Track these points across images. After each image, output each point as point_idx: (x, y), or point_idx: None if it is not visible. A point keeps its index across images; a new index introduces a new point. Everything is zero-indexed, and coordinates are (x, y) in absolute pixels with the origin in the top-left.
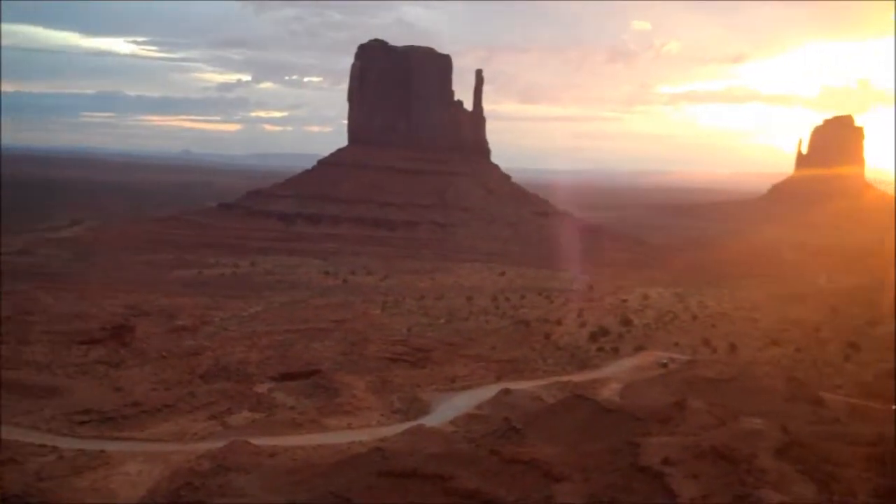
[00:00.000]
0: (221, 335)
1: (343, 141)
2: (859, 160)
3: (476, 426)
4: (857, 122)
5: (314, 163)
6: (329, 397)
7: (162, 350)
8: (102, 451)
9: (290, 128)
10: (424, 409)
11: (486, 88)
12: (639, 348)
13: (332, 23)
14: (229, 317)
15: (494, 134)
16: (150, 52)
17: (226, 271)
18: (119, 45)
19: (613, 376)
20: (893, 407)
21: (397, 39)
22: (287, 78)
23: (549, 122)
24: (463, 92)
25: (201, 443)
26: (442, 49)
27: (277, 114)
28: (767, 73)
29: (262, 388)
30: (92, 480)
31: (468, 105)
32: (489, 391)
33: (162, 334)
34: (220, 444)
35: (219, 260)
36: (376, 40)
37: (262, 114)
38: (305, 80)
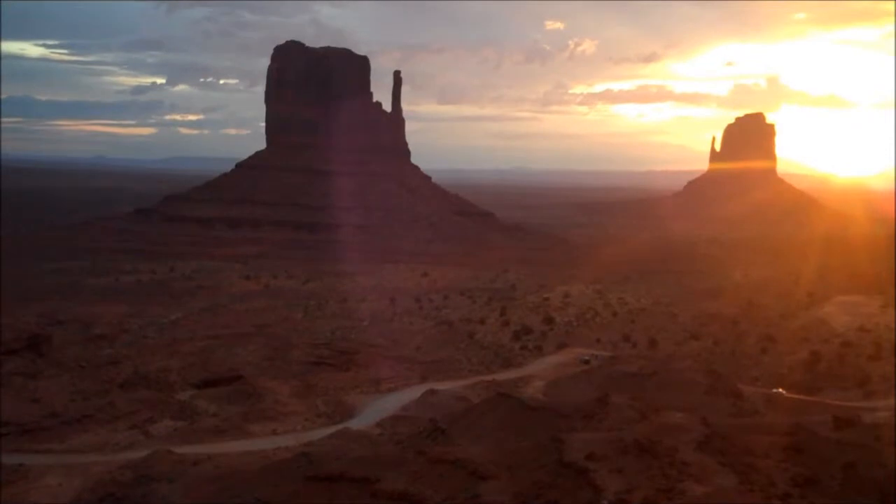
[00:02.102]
0: (140, 343)
1: (261, 143)
2: (771, 156)
3: (402, 428)
4: (769, 120)
5: (232, 166)
6: (252, 403)
7: (80, 360)
8: (21, 465)
9: (206, 131)
10: (350, 413)
11: (404, 89)
12: (561, 346)
13: (245, 23)
14: (148, 324)
15: (414, 135)
16: (61, 55)
17: (143, 278)
18: (28, 48)
19: (537, 374)
20: (779, 390)
21: (313, 40)
22: (202, 80)
23: (467, 122)
24: (381, 93)
25: (123, 453)
26: (358, 50)
27: (193, 117)
28: (680, 72)
29: (183, 396)
30: (11, 494)
31: (387, 106)
32: (414, 392)
33: (79, 343)
34: (141, 453)
35: (136, 266)
36: (293, 41)
37: (178, 117)
38: (221, 82)
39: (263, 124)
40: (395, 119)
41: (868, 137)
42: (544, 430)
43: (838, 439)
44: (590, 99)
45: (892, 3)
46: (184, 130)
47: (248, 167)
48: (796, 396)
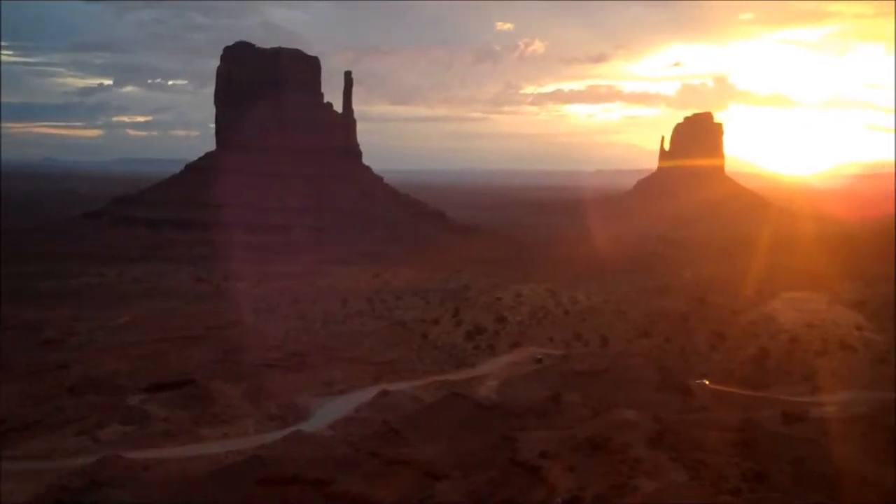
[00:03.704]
0: (90, 347)
1: (211, 145)
2: (719, 155)
3: (355, 429)
4: (716, 119)
5: (182, 167)
6: (204, 407)
7: (28, 365)
8: None
9: (155, 132)
10: (302, 415)
11: (355, 90)
12: (514, 345)
13: (195, 25)
14: (97, 328)
15: (365, 135)
16: (7, 56)
17: (92, 281)
18: None
19: (490, 374)
20: (704, 381)
21: (263, 41)
22: (150, 81)
23: (419, 122)
24: (333, 94)
25: (72, 459)
26: (309, 51)
27: (141, 118)
28: (629, 72)
29: (133, 400)
30: None
31: (338, 107)
32: (367, 393)
33: (28, 348)
34: (91, 459)
35: (85, 269)
36: (242, 42)
37: (126, 118)
38: (170, 83)
39: (213, 126)
40: (347, 120)
41: (812, 136)
42: (497, 430)
43: (787, 434)
44: (540, 99)
45: (836, 4)
46: (132, 132)
47: (198, 169)
48: (719, 387)
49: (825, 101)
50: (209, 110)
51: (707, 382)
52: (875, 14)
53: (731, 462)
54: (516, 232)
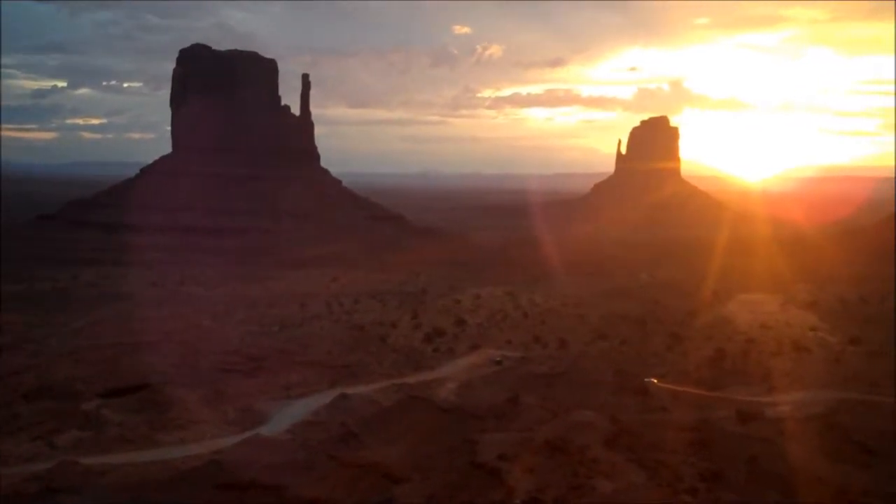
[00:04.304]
0: (44, 352)
1: (167, 148)
2: (675, 158)
3: (313, 433)
4: (672, 123)
5: (137, 170)
6: (160, 412)
7: None
8: None
9: (110, 135)
10: (260, 419)
11: (312, 93)
12: (473, 347)
13: (150, 26)
14: (51, 333)
15: (323, 138)
16: None
17: (46, 286)
18: None
19: (449, 376)
20: (652, 380)
21: (219, 44)
22: (105, 83)
23: (377, 125)
24: (290, 96)
25: (27, 465)
26: (266, 53)
27: (96, 121)
28: (587, 76)
29: (89, 406)
30: None
31: (295, 110)
32: (326, 397)
33: None
34: (47, 465)
35: (38, 274)
36: (198, 44)
37: (80, 121)
38: (125, 85)
39: (169, 128)
40: (304, 122)
41: (767, 140)
42: (457, 432)
43: (743, 434)
44: (498, 103)
45: (790, 9)
46: (87, 135)
47: (154, 172)
48: (676, 388)
49: (779, 104)
50: (165, 113)
51: (655, 381)
52: (829, 19)
53: (688, 462)
54: (475, 235)
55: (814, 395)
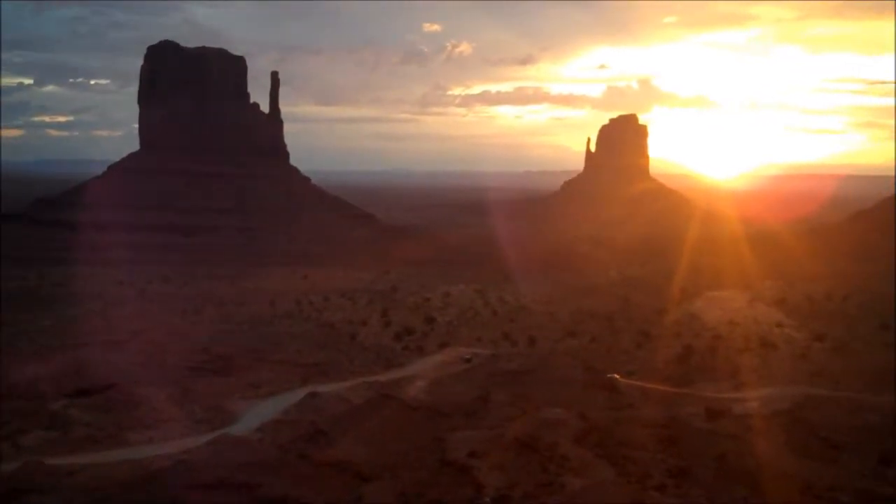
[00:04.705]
0: (9, 352)
1: (134, 145)
2: (644, 156)
3: (283, 431)
4: (641, 121)
5: (104, 168)
6: (128, 411)
7: None
8: None
9: (76, 132)
10: (229, 418)
11: (282, 90)
12: (443, 345)
13: (117, 23)
14: (17, 332)
15: (292, 136)
16: None
17: (11, 285)
18: None
19: (419, 374)
20: (615, 376)
21: (187, 40)
22: (72, 81)
23: (346, 123)
24: (258, 94)
25: None
26: (235, 50)
27: (62, 118)
28: (556, 74)
29: (56, 406)
30: None
31: (264, 107)
32: (295, 395)
33: None
34: (13, 465)
35: (4, 273)
36: (166, 41)
37: (47, 118)
38: (92, 82)
39: (136, 126)
40: (273, 120)
41: (735, 138)
42: (426, 430)
43: (711, 430)
44: (468, 100)
45: (757, 7)
46: (53, 132)
47: (121, 170)
48: (645, 385)
49: (747, 103)
50: (132, 110)
51: (618, 377)
52: (795, 17)
53: (657, 458)
54: (445, 233)
55: (780, 391)
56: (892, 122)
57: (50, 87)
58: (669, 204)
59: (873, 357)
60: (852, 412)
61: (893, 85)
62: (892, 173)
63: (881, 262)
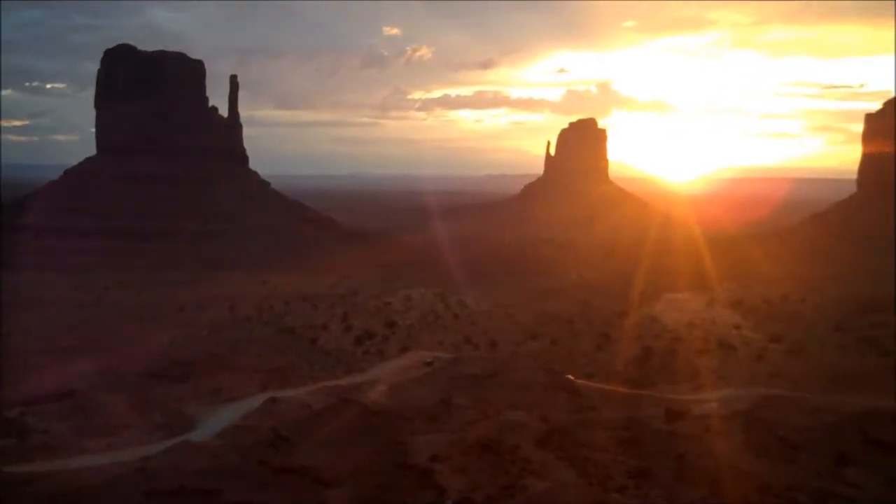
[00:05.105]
0: None
1: (91, 149)
2: (603, 159)
3: (243, 437)
4: (600, 125)
5: (60, 173)
6: (86, 418)
7: None
8: None
9: (33, 137)
10: (189, 424)
11: (241, 94)
12: (404, 349)
13: (75, 26)
14: None
15: (252, 140)
16: None
17: None
18: None
19: (380, 378)
20: (569, 376)
21: (145, 44)
22: (28, 84)
23: (306, 127)
24: (217, 97)
25: None
26: (193, 54)
27: (18, 122)
28: (516, 79)
29: (12, 413)
30: None
31: (223, 111)
32: (256, 401)
33: None
34: None
35: None
36: (123, 45)
37: (2, 123)
38: (48, 86)
39: (93, 130)
40: (232, 124)
41: (693, 141)
42: (388, 434)
43: (670, 431)
44: (428, 104)
45: (714, 12)
46: (9, 137)
47: (78, 174)
48: (605, 387)
49: (705, 107)
50: (90, 114)
51: (571, 377)
52: (752, 22)
53: (618, 460)
54: (406, 237)
55: (739, 391)
56: (848, 125)
57: (6, 91)
58: (628, 207)
59: (829, 358)
60: (809, 413)
61: (849, 89)
62: (848, 176)
63: (836, 265)
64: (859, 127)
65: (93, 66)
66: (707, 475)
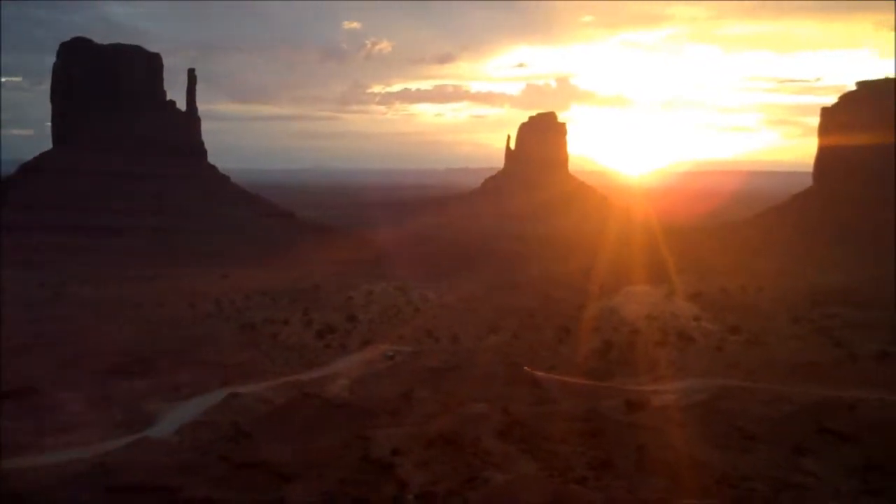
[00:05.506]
0: None
1: (48, 144)
2: (563, 153)
3: (203, 433)
4: (560, 119)
5: (16, 168)
6: (46, 415)
7: None
8: None
9: None
10: (149, 421)
11: (200, 88)
12: (366, 343)
13: (30, 19)
14: None
15: (211, 134)
16: None
17: None
18: None
19: (342, 372)
20: (525, 368)
21: (103, 38)
22: None
23: (266, 121)
24: (176, 91)
25: None
26: (151, 47)
27: None
28: (475, 73)
29: None
30: None
31: (182, 105)
32: (216, 397)
33: None
34: None
35: None
36: (80, 38)
37: None
38: (3, 80)
39: (50, 124)
40: (191, 118)
41: (652, 135)
42: (350, 428)
43: (630, 422)
44: (388, 98)
45: (671, 7)
46: None
47: (34, 169)
48: (566, 379)
49: (663, 101)
50: (45, 108)
51: (527, 369)
52: (709, 17)
53: (578, 451)
54: (366, 231)
55: (698, 382)
56: (804, 119)
57: None
58: (588, 201)
59: (786, 349)
60: (767, 403)
61: (805, 83)
62: (804, 170)
63: (793, 257)
64: (815, 121)
65: (49, 60)
66: (667, 465)
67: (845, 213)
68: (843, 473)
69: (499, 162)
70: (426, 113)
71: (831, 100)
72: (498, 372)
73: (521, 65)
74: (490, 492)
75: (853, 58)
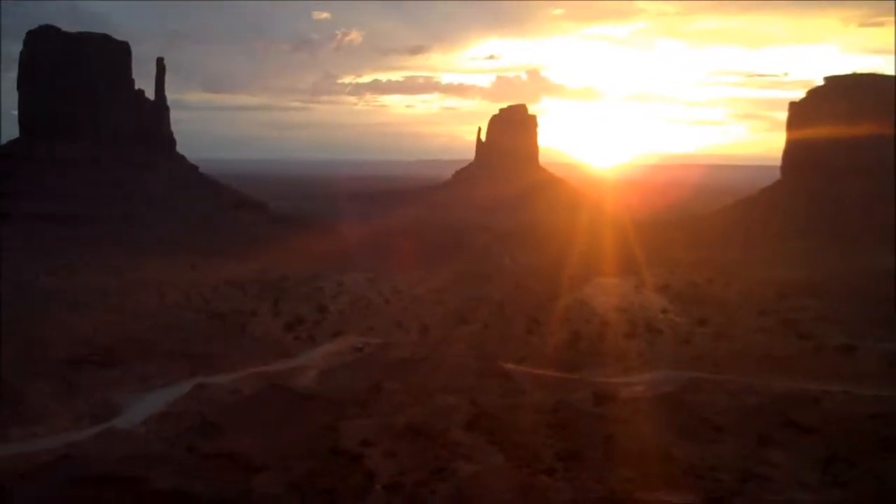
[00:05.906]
0: None
1: (14, 132)
2: (533, 146)
3: (170, 424)
4: (530, 111)
5: None
6: (11, 406)
7: None
8: None
9: None
10: (115, 411)
11: (170, 78)
12: (335, 334)
13: None
14: None
15: (180, 124)
16: None
17: None
18: None
19: (310, 363)
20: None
21: (70, 25)
22: None
23: (236, 111)
24: (144, 80)
25: None
26: (119, 36)
27: None
28: (446, 65)
29: None
30: None
31: (150, 94)
32: (184, 387)
33: None
34: None
35: None
36: (47, 26)
37: None
38: None
39: (16, 112)
40: (159, 107)
41: (620, 128)
42: (318, 419)
43: (599, 414)
44: (359, 89)
45: (641, 2)
46: None
47: (1, 157)
48: (535, 370)
49: (631, 94)
50: (12, 96)
51: (500, 362)
52: (677, 12)
53: (547, 443)
54: (337, 222)
55: (665, 374)
56: (772, 113)
57: None
58: (558, 192)
59: (752, 341)
60: (733, 395)
61: (773, 78)
62: (771, 163)
63: (760, 250)
64: (783, 115)
65: (16, 48)
66: (634, 457)
67: (812, 207)
68: (808, 465)
69: (470, 154)
70: (397, 104)
71: (799, 94)
72: (467, 363)
73: (491, 57)
74: (458, 483)
75: (820, 53)
